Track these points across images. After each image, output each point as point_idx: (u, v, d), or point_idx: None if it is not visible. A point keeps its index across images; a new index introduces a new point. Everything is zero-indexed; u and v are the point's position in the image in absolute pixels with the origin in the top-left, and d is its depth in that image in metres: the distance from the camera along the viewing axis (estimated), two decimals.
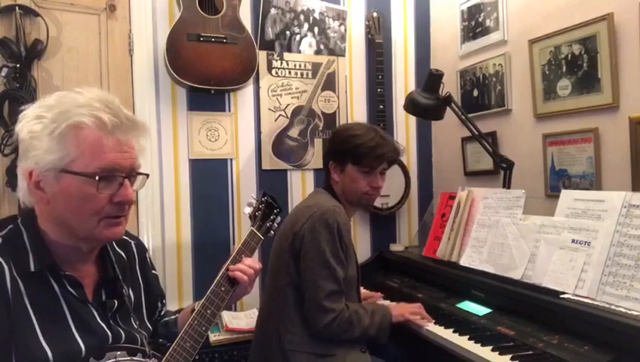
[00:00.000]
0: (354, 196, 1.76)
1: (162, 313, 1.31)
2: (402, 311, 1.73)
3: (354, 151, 1.71)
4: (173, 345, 1.05)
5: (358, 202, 1.80)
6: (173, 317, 1.30)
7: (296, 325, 1.61)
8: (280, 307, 1.65)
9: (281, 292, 1.65)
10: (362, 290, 2.11)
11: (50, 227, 0.98)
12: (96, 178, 0.93)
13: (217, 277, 1.16)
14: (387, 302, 1.99)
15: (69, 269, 0.99)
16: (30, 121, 0.95)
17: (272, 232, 1.34)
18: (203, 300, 1.12)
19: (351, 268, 1.69)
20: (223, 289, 1.15)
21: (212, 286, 1.14)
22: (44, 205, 0.97)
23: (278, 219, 1.36)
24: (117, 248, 1.15)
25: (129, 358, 1.00)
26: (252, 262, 1.19)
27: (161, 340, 1.26)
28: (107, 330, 1.00)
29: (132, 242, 1.22)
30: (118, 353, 0.99)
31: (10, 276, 0.91)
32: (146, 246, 1.37)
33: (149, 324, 1.18)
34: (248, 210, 1.30)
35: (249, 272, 1.17)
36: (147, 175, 1.05)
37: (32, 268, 0.94)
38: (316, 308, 1.57)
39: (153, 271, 1.27)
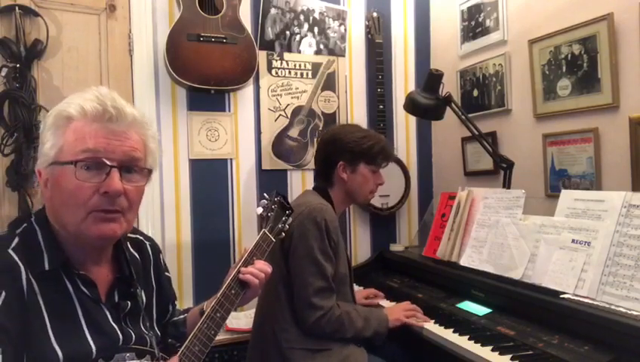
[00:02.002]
0: (361, 195, 1.82)
1: (172, 315, 1.30)
2: (398, 315, 1.73)
3: (368, 152, 1.77)
4: (182, 348, 1.03)
5: (363, 200, 1.92)
6: (182, 317, 1.29)
7: (290, 323, 1.62)
8: (273, 305, 1.66)
9: (274, 291, 1.66)
10: (365, 289, 2.12)
11: (55, 225, 0.97)
12: (74, 164, 0.91)
13: (228, 280, 1.13)
14: (385, 303, 1.99)
15: (83, 269, 0.98)
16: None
17: (283, 234, 1.31)
18: (214, 303, 1.09)
19: (342, 265, 1.70)
20: (233, 292, 1.12)
21: (223, 288, 1.12)
22: (48, 202, 0.97)
23: (290, 220, 1.33)
24: (132, 249, 1.14)
25: (137, 361, 1.00)
26: (263, 265, 1.17)
27: (170, 340, 1.25)
28: (119, 332, 0.99)
29: (147, 243, 1.20)
30: (127, 354, 0.99)
31: (26, 277, 0.90)
32: None
33: (157, 328, 1.16)
34: (260, 211, 1.27)
35: (260, 276, 1.15)
36: (148, 170, 1.02)
37: (47, 267, 0.93)
38: (305, 305, 1.59)
39: (166, 274, 1.26)
